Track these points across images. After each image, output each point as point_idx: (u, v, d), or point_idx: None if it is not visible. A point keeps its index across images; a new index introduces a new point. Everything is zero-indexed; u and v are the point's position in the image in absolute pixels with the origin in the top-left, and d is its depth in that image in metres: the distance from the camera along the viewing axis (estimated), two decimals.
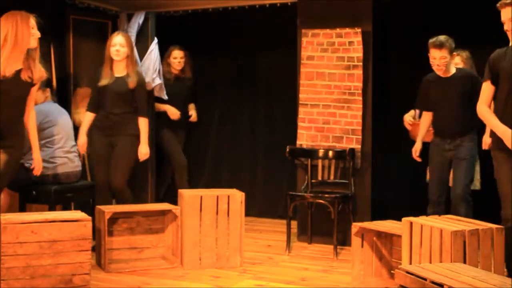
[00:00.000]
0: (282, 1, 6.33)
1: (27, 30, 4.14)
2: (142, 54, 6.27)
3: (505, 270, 3.81)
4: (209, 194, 4.87)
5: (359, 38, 5.57)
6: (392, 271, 4.30)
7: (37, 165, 4.53)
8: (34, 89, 4.31)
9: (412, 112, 5.35)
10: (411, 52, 5.87)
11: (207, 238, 4.83)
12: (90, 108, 5.38)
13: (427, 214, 4.52)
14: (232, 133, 7.16)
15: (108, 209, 4.73)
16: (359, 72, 5.59)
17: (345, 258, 5.11)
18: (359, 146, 5.60)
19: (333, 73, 5.69)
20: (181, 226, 4.83)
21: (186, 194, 4.86)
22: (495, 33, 4.34)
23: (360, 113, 5.60)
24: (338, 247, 5.28)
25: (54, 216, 4.04)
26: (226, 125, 7.20)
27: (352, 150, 5.55)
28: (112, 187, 5.24)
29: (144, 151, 5.32)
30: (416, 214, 4.05)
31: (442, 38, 4.74)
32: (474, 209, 4.74)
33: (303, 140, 5.79)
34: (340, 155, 5.57)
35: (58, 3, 6.08)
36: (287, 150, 5.71)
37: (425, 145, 5.04)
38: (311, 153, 5.68)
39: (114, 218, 4.87)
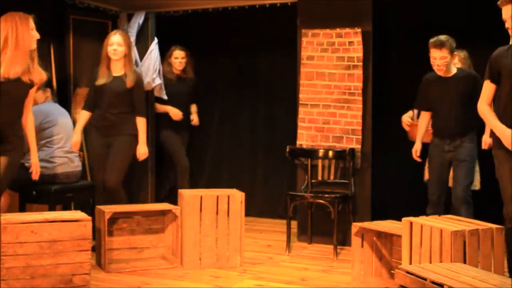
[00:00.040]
0: (282, 1, 6.33)
1: (27, 32, 4.12)
2: (142, 54, 6.27)
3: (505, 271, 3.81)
4: (209, 194, 4.87)
5: (359, 38, 5.57)
6: (392, 271, 4.30)
7: (35, 169, 4.49)
8: (32, 91, 4.30)
9: (410, 113, 5.34)
10: (411, 52, 5.88)
11: (207, 238, 4.83)
12: (85, 107, 5.34)
13: (426, 215, 4.51)
14: (232, 133, 7.16)
15: (108, 209, 4.73)
16: (359, 72, 5.59)
17: (345, 258, 5.11)
18: (359, 146, 5.60)
19: (333, 73, 5.69)
20: (181, 226, 4.83)
21: (186, 194, 4.85)
22: (495, 33, 4.33)
23: (360, 113, 5.60)
24: (338, 247, 5.28)
25: (54, 216, 4.04)
26: (226, 125, 7.20)
27: (352, 150, 5.55)
28: (106, 186, 5.20)
29: (142, 151, 5.30)
30: (416, 214, 4.05)
31: (442, 38, 4.71)
32: (474, 209, 4.73)
33: (303, 140, 5.79)
34: (340, 155, 5.57)
35: (58, 3, 6.08)
36: (287, 150, 5.71)
37: (424, 145, 5.04)
38: (311, 153, 5.68)
39: (114, 218, 4.87)
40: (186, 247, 4.80)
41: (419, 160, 5.03)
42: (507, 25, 3.83)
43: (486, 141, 4.68)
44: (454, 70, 4.84)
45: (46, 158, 5.17)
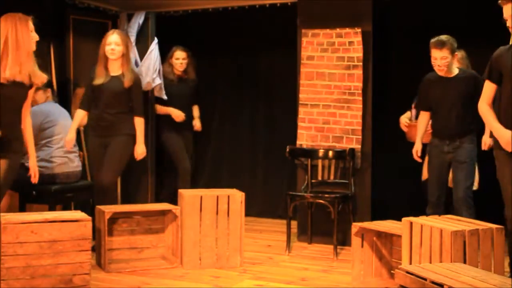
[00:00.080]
0: (282, 1, 6.33)
1: (27, 34, 4.10)
2: (142, 54, 6.27)
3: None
4: (209, 194, 4.87)
5: (359, 38, 5.57)
6: (392, 271, 4.30)
7: (33, 172, 4.42)
8: (31, 93, 4.28)
9: (408, 113, 5.33)
10: (411, 52, 5.88)
11: (207, 238, 4.83)
12: (82, 106, 5.30)
13: (426, 215, 4.50)
14: (232, 133, 7.16)
15: (108, 209, 4.73)
16: (359, 72, 5.59)
17: (345, 258, 5.11)
18: (359, 146, 5.60)
19: (333, 73, 5.69)
20: (181, 226, 4.83)
21: (186, 194, 4.85)
22: (495, 33, 4.33)
23: (360, 113, 5.60)
24: (338, 247, 5.28)
25: (54, 216, 4.04)
26: (226, 125, 7.20)
27: (352, 150, 5.55)
28: (100, 185, 5.15)
29: (140, 150, 5.28)
30: (416, 214, 4.05)
31: (443, 37, 4.65)
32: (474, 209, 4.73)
33: (303, 140, 5.79)
34: (340, 155, 5.57)
35: (58, 3, 6.09)
36: (287, 150, 5.71)
37: (423, 145, 5.02)
38: (311, 153, 5.68)
39: (114, 218, 4.87)
40: (186, 247, 4.80)
41: (419, 160, 5.01)
42: (508, 24, 3.80)
43: (486, 141, 4.64)
44: (455, 71, 4.79)
45: (46, 158, 5.18)
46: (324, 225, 5.57)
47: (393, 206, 5.74)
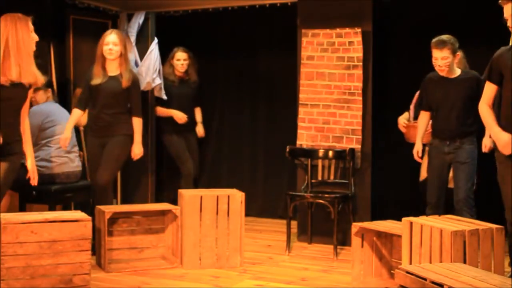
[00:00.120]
0: (282, 1, 6.33)
1: (27, 34, 4.08)
2: (142, 54, 6.26)
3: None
4: (209, 194, 4.87)
5: (359, 38, 5.57)
6: (392, 271, 4.30)
7: (31, 174, 4.34)
8: (30, 93, 4.26)
9: (406, 114, 5.31)
10: (411, 52, 5.88)
11: (207, 238, 4.83)
12: (78, 105, 5.28)
13: (426, 216, 4.49)
14: (232, 133, 7.16)
15: (108, 209, 4.73)
16: (359, 72, 5.59)
17: (345, 258, 5.11)
18: (359, 146, 5.60)
19: (333, 73, 5.69)
20: (181, 226, 4.83)
21: (186, 194, 4.85)
22: (495, 33, 4.33)
23: (360, 113, 5.60)
24: (338, 247, 5.28)
25: (54, 216, 4.03)
26: (226, 125, 7.20)
27: (352, 150, 5.55)
28: (95, 185, 5.15)
29: (137, 151, 5.27)
30: (416, 214, 4.05)
31: (444, 37, 4.61)
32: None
33: (303, 140, 5.79)
34: (340, 155, 5.57)
35: (58, 3, 6.08)
36: (287, 150, 5.71)
37: (422, 145, 5.01)
38: (311, 153, 5.68)
39: (114, 218, 4.87)
40: (186, 247, 4.80)
41: (420, 161, 5.00)
42: (508, 24, 3.77)
43: (487, 144, 4.61)
44: (457, 72, 4.74)
45: (46, 157, 5.18)
46: (324, 225, 5.57)
47: (393, 206, 5.75)
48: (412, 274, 3.04)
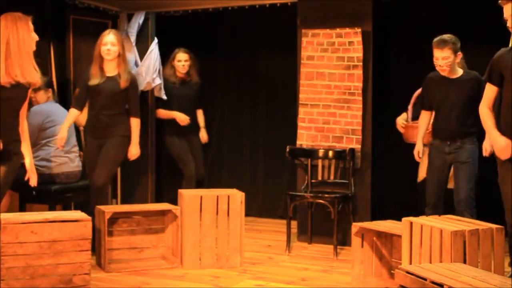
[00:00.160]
0: (282, 1, 6.33)
1: (28, 34, 4.08)
2: (142, 54, 6.26)
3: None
4: (209, 194, 4.87)
5: (359, 38, 5.57)
6: (392, 271, 4.30)
7: (30, 174, 4.30)
8: (29, 93, 4.26)
9: (404, 115, 5.30)
10: (411, 52, 5.88)
11: (207, 238, 4.83)
12: (75, 106, 5.27)
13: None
14: (232, 133, 7.16)
15: (108, 209, 4.73)
16: (359, 72, 5.59)
17: (345, 258, 5.11)
18: (359, 146, 5.60)
19: (333, 73, 5.69)
20: (181, 226, 4.83)
21: (186, 194, 4.86)
22: (495, 33, 4.33)
23: (360, 113, 5.60)
24: (338, 247, 5.28)
25: (54, 216, 4.03)
26: (226, 125, 7.20)
27: (352, 150, 5.55)
28: (92, 186, 5.14)
29: (134, 151, 5.27)
30: (416, 214, 4.05)
31: (445, 37, 4.57)
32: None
33: (303, 140, 5.79)
34: (340, 155, 5.57)
35: (58, 3, 6.08)
36: (287, 150, 5.71)
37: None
38: (311, 153, 5.68)
39: (114, 218, 4.87)
40: (186, 247, 4.80)
41: (420, 161, 5.00)
42: (508, 24, 3.75)
43: (487, 148, 4.55)
44: (459, 72, 4.71)
45: (46, 157, 5.18)
46: (324, 225, 5.57)
47: (393, 206, 5.74)
48: (412, 274, 3.04)
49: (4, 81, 3.94)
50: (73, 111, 5.25)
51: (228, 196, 4.85)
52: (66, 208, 5.50)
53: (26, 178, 4.26)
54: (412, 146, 4.96)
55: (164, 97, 6.30)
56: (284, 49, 6.59)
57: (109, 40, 5.14)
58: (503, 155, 3.74)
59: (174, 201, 5.15)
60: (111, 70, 5.20)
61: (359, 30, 5.57)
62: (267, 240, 5.88)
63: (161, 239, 5.04)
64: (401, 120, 5.28)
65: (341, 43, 5.65)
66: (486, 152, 4.59)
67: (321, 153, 5.65)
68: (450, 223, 3.71)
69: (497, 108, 3.96)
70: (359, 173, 5.62)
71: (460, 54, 4.67)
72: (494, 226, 3.63)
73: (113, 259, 4.85)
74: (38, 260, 3.91)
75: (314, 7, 5.77)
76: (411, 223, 3.82)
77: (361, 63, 5.58)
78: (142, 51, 6.27)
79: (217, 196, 4.84)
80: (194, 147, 6.41)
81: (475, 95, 4.47)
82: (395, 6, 5.91)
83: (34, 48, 4.14)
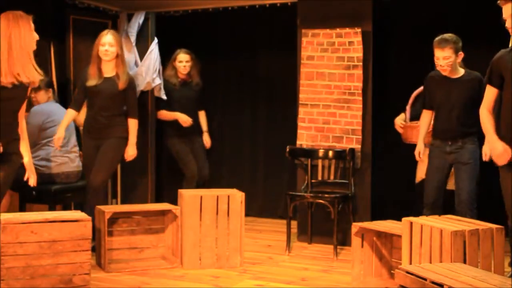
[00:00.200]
0: (282, 1, 6.33)
1: (29, 33, 4.07)
2: (142, 54, 6.26)
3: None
4: (209, 194, 4.87)
5: (359, 38, 5.57)
6: (392, 271, 4.30)
7: (29, 173, 4.26)
8: (28, 92, 4.25)
9: (402, 115, 5.30)
10: (411, 52, 5.88)
11: (207, 238, 4.83)
12: (73, 106, 5.26)
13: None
14: (232, 133, 7.16)
15: (108, 209, 4.73)
16: (359, 72, 5.59)
17: (345, 258, 5.11)
18: (359, 146, 5.60)
19: (333, 73, 5.69)
20: (181, 226, 4.83)
21: (186, 194, 4.86)
22: (495, 33, 4.32)
23: (360, 113, 5.60)
24: (338, 247, 5.28)
25: (54, 216, 4.03)
26: (226, 125, 7.19)
27: (352, 150, 5.55)
28: (89, 186, 5.13)
29: (131, 152, 5.27)
30: (415, 214, 4.05)
31: (446, 36, 4.54)
32: None
33: (303, 140, 5.79)
34: (340, 155, 5.57)
35: (58, 3, 6.08)
36: (287, 150, 5.71)
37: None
38: (311, 153, 5.68)
39: (114, 218, 4.87)
40: (186, 247, 4.80)
41: (420, 161, 4.99)
42: (507, 24, 3.73)
43: (487, 152, 4.46)
44: (461, 72, 4.69)
45: (46, 157, 5.18)
46: (324, 225, 5.57)
47: (393, 206, 5.74)
48: (412, 274, 3.04)
49: (7, 81, 3.93)
50: (71, 112, 5.24)
51: (228, 196, 4.85)
52: (66, 208, 5.50)
53: (25, 178, 4.25)
54: (412, 146, 4.96)
55: (164, 97, 6.29)
56: (284, 49, 6.59)
57: (107, 40, 5.13)
58: (500, 161, 3.73)
59: (174, 201, 5.15)
60: (109, 71, 5.19)
61: (359, 30, 5.57)
62: (267, 240, 5.88)
63: (161, 239, 5.04)
64: (400, 121, 5.28)
65: (341, 43, 5.65)
66: (486, 157, 4.52)
67: (321, 153, 5.65)
68: (450, 223, 3.71)
69: (497, 110, 3.95)
70: (359, 173, 5.62)
71: (461, 54, 4.64)
72: (494, 226, 3.63)
73: (113, 259, 4.85)
74: (38, 260, 3.91)
75: (314, 7, 5.77)
76: (411, 223, 3.82)
77: (361, 63, 5.58)
78: (142, 51, 6.27)
79: (217, 196, 4.84)
80: (196, 148, 6.41)
81: (476, 96, 4.45)
82: (395, 6, 5.91)
83: (34, 47, 4.13)
